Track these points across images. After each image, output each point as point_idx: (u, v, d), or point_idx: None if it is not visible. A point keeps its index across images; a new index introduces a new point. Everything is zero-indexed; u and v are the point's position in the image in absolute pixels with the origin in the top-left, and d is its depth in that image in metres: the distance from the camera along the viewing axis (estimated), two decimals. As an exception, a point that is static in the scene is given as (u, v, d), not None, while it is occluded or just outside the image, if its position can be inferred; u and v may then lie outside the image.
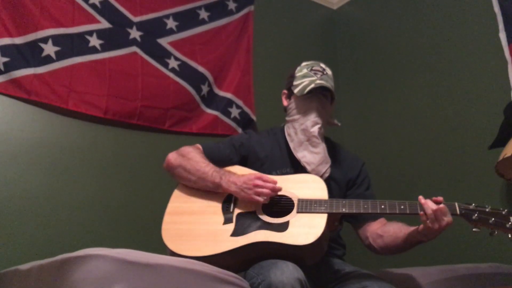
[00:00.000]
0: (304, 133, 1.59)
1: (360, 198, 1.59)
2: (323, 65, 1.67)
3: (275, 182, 1.44)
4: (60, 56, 2.14)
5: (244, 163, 1.63)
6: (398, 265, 1.80)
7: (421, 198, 1.34)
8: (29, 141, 2.03)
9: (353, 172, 1.67)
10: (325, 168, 1.56)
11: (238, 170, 1.58)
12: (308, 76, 1.61)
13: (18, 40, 2.05)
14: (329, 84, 1.59)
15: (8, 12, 2.04)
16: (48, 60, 2.11)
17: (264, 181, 1.43)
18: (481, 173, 2.19)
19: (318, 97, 1.61)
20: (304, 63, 1.69)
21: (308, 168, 1.54)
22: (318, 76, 1.60)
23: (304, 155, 1.57)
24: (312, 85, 1.56)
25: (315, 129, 1.57)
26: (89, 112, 2.17)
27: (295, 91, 1.61)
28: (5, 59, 2.00)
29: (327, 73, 1.64)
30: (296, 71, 1.67)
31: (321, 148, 1.58)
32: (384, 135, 2.77)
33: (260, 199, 1.41)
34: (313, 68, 1.63)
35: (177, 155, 1.58)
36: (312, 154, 1.56)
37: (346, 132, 2.98)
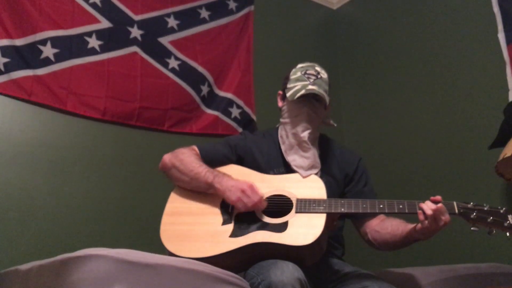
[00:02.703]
0: (294, 137, 1.58)
1: (358, 195, 1.60)
2: (318, 68, 1.63)
3: (261, 200, 1.41)
4: (58, 58, 2.14)
5: (240, 163, 1.62)
6: (398, 265, 1.80)
7: (420, 203, 1.35)
8: (29, 141, 2.03)
9: (350, 168, 1.66)
10: (314, 172, 1.55)
11: (236, 169, 1.58)
12: (301, 80, 1.58)
13: (18, 42, 2.05)
14: (322, 89, 1.56)
15: (8, 13, 2.04)
16: (47, 62, 2.11)
17: (253, 192, 1.41)
18: (481, 173, 2.19)
19: (310, 102, 1.59)
20: (299, 65, 1.66)
21: (298, 172, 1.54)
22: (311, 80, 1.57)
23: (294, 158, 1.57)
24: (303, 91, 1.54)
25: (305, 134, 1.57)
26: (88, 114, 2.17)
27: (287, 95, 1.59)
28: (6, 60, 2.00)
29: (321, 77, 1.60)
30: (291, 73, 1.65)
31: (311, 153, 1.57)
32: (384, 134, 2.77)
33: (239, 205, 1.40)
34: (307, 72, 1.60)
35: (171, 156, 1.58)
36: (302, 159, 1.56)
37: (346, 131, 2.98)
